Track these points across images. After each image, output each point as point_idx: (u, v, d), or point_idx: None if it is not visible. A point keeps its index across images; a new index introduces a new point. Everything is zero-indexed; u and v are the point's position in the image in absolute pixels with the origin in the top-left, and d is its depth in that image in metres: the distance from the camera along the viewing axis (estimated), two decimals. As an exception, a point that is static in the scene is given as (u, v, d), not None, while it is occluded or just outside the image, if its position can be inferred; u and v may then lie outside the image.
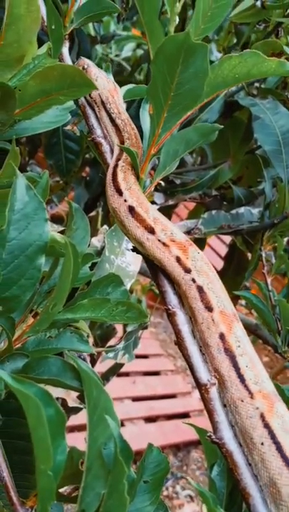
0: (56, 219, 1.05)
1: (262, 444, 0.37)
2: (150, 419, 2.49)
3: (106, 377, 0.95)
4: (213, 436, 0.38)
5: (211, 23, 0.42)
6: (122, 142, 0.50)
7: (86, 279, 0.48)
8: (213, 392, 0.39)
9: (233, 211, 0.91)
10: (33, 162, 1.08)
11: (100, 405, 0.32)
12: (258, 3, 0.74)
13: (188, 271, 0.44)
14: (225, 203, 1.01)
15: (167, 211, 1.09)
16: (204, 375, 0.40)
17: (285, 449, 0.36)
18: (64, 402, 0.62)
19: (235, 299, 0.94)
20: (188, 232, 0.84)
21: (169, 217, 1.15)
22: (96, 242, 0.69)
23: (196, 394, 2.59)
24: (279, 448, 0.36)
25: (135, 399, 2.57)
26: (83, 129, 0.60)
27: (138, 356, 2.61)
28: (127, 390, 2.60)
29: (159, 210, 0.99)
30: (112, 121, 0.51)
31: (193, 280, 0.44)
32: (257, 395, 0.38)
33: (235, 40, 1.00)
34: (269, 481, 0.36)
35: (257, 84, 0.98)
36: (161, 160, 0.44)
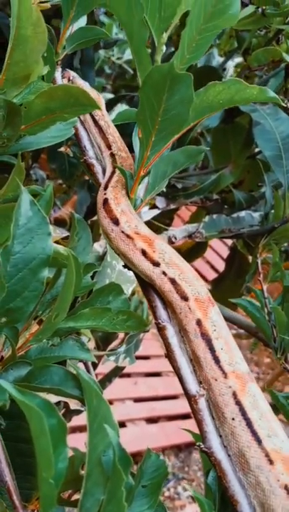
0: (59, 222, 1.06)
1: (233, 419, 0.39)
2: (152, 420, 2.50)
3: (108, 378, 0.96)
4: (202, 446, 0.40)
5: (196, 52, 0.44)
6: (108, 146, 0.53)
7: (88, 288, 0.49)
8: (202, 403, 0.41)
9: (234, 215, 0.93)
10: (36, 166, 1.09)
11: (100, 414, 0.34)
12: (259, 11, 0.75)
13: (156, 264, 0.46)
14: (226, 206, 1.02)
15: (169, 214, 1.11)
16: (193, 386, 0.41)
17: (255, 425, 0.39)
18: (66, 404, 0.64)
19: (234, 304, 0.95)
20: (189, 236, 0.86)
21: (171, 220, 1.17)
22: (98, 247, 0.70)
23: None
24: (249, 424, 0.39)
25: (137, 400, 2.59)
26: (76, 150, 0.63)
27: (139, 357, 2.62)
28: (129, 391, 2.62)
29: (162, 213, 1.00)
30: (96, 123, 0.54)
31: (164, 273, 0.45)
32: (230, 375, 0.41)
33: (236, 45, 1.01)
34: (238, 452, 0.39)
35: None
36: (150, 181, 0.47)
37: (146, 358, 2.91)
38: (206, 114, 0.45)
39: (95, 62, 1.23)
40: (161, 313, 0.45)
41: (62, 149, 0.58)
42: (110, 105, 1.18)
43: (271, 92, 0.44)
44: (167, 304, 0.46)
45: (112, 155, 0.52)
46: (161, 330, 0.44)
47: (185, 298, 0.45)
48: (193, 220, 1.10)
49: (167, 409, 2.60)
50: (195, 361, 0.44)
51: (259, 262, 0.85)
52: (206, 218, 0.88)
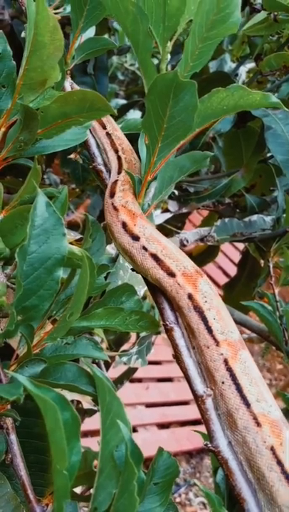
0: (72, 225, 1.07)
1: (222, 382, 0.41)
2: (163, 426, 2.50)
3: (120, 381, 0.97)
4: (210, 445, 0.40)
5: (199, 60, 0.45)
6: (115, 150, 0.54)
7: (101, 288, 0.50)
8: (209, 403, 0.41)
9: (246, 219, 0.93)
10: (50, 170, 1.11)
11: (113, 410, 0.34)
12: (271, 16, 0.76)
13: (136, 238, 0.46)
14: (238, 210, 1.03)
15: (181, 218, 1.11)
16: (200, 387, 0.42)
17: (245, 390, 0.40)
18: (79, 404, 0.64)
19: (246, 308, 0.95)
20: (201, 240, 0.86)
21: (183, 224, 1.17)
22: (111, 249, 0.71)
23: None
24: (239, 388, 0.40)
25: (148, 405, 2.59)
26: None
27: (151, 362, 2.63)
28: (140, 396, 2.62)
29: (173, 217, 1.01)
30: (104, 128, 0.56)
31: (144, 248, 0.46)
32: (222, 343, 0.42)
33: (248, 50, 1.02)
34: (227, 412, 0.41)
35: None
36: (157, 186, 0.48)
37: (157, 363, 2.91)
38: (210, 120, 0.46)
39: (108, 68, 1.25)
40: (169, 314, 0.46)
41: (72, 156, 0.60)
42: (123, 111, 1.20)
43: (273, 97, 0.44)
44: (154, 282, 0.47)
45: (119, 157, 0.53)
46: (168, 331, 0.45)
47: (172, 274, 0.45)
48: (205, 224, 1.10)
49: (178, 415, 2.60)
50: (190, 332, 0.45)
51: (271, 265, 0.85)
52: (218, 222, 0.89)
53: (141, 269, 0.47)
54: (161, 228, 0.49)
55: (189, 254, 1.08)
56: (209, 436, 0.41)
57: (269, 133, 0.80)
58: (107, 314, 0.47)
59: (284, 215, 0.88)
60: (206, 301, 0.44)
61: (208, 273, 3.02)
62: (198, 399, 0.42)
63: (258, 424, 0.39)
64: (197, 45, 0.44)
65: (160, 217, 0.84)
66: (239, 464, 0.40)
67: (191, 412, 2.59)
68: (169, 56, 0.47)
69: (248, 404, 0.40)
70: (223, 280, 2.69)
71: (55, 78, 0.43)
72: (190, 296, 0.44)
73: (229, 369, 0.41)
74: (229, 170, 0.93)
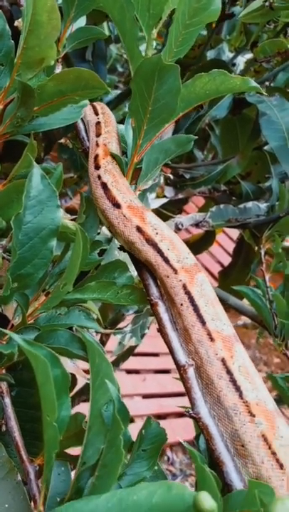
0: (70, 211, 1.09)
1: (181, 304, 0.44)
2: (160, 417, 2.52)
3: (116, 363, 0.99)
4: (191, 412, 0.42)
5: (182, 46, 0.48)
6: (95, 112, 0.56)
7: (95, 263, 0.52)
8: (191, 372, 0.43)
9: (241, 205, 0.94)
10: (48, 158, 1.13)
11: (102, 371, 0.36)
12: (267, 4, 0.77)
13: (97, 167, 0.50)
14: (234, 198, 1.04)
15: (178, 206, 1.13)
16: (182, 357, 0.44)
17: (201, 310, 0.43)
18: (73, 377, 0.66)
19: (241, 294, 0.97)
20: (196, 225, 0.88)
21: (180, 212, 1.19)
22: (106, 230, 0.73)
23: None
24: (196, 309, 0.43)
25: (145, 396, 2.62)
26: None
27: (148, 354, 2.66)
28: (138, 388, 2.64)
29: (171, 205, 1.03)
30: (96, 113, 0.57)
31: (99, 177, 0.49)
32: (180, 270, 0.45)
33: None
34: (183, 328, 0.44)
35: (267, 83, 1.01)
36: (143, 168, 0.50)
37: (155, 355, 2.94)
38: (193, 104, 0.48)
39: (107, 60, 1.26)
40: (154, 290, 0.47)
41: (62, 141, 0.61)
42: (121, 100, 1.21)
43: (253, 82, 0.47)
44: (103, 216, 0.49)
45: (98, 122, 0.55)
46: (153, 306, 0.47)
47: (117, 205, 0.47)
48: (201, 211, 1.12)
49: (175, 406, 2.60)
50: (148, 265, 0.47)
51: (262, 252, 0.87)
52: (214, 208, 0.91)
53: (93, 197, 0.50)
54: (157, 214, 0.51)
55: (186, 242, 1.10)
56: (191, 403, 0.43)
57: (263, 119, 0.81)
58: (100, 287, 0.49)
59: (278, 202, 0.90)
60: (157, 233, 0.46)
61: (203, 262, 3.05)
62: (180, 368, 0.44)
63: (212, 339, 0.42)
64: (180, 31, 0.46)
65: (156, 202, 0.85)
66: (218, 429, 0.42)
67: (188, 403, 2.61)
68: (154, 43, 0.49)
69: (203, 322, 0.43)
70: (217, 269, 2.71)
71: (52, 57, 0.44)
72: (138, 229, 0.46)
73: (187, 292, 0.44)
74: (225, 157, 0.95)
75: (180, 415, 2.59)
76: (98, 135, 0.53)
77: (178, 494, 0.30)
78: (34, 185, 0.39)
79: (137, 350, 2.63)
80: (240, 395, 0.40)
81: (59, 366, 0.33)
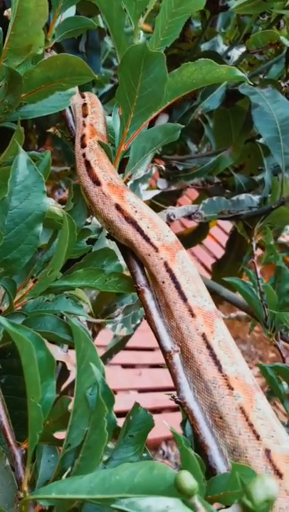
0: (63, 203, 1.09)
1: (163, 282, 0.45)
2: (155, 411, 2.54)
3: (109, 354, 1.00)
4: (176, 397, 0.43)
5: (169, 35, 0.48)
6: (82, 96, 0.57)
7: (83, 251, 0.52)
8: (176, 358, 0.44)
9: (234, 197, 0.95)
10: (42, 150, 1.13)
11: (87, 355, 0.36)
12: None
13: (83, 146, 0.50)
14: (227, 190, 1.04)
15: (172, 198, 1.13)
16: (168, 343, 0.45)
17: (183, 287, 0.44)
18: (65, 367, 0.67)
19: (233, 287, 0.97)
20: (189, 217, 0.88)
21: (174, 205, 1.19)
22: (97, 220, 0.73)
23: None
24: (177, 286, 0.44)
25: (141, 390, 2.63)
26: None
27: (144, 349, 2.67)
28: (133, 382, 2.66)
29: (163, 195, 1.03)
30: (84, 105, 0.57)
31: (84, 155, 0.50)
32: (161, 248, 0.45)
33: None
34: (165, 304, 0.45)
35: (261, 76, 1.01)
36: (130, 156, 0.50)
37: (150, 349, 2.95)
38: (180, 93, 0.49)
39: (102, 53, 1.25)
40: (140, 278, 0.48)
41: (51, 130, 0.61)
42: (115, 93, 1.20)
43: (238, 71, 0.47)
44: (85, 194, 0.49)
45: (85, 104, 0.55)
46: (140, 293, 0.47)
47: (97, 182, 0.48)
48: (195, 204, 1.12)
49: (170, 401, 2.62)
50: (129, 245, 0.48)
51: (254, 244, 0.87)
52: (206, 200, 0.91)
53: (78, 177, 0.50)
54: (150, 206, 0.52)
55: (180, 235, 1.11)
56: (176, 388, 0.43)
57: (256, 111, 0.81)
58: (88, 275, 0.49)
59: (270, 194, 0.90)
60: (136, 211, 0.47)
61: (196, 255, 3.05)
62: (166, 354, 0.44)
63: (193, 315, 0.43)
64: (167, 20, 0.47)
65: (148, 194, 0.85)
66: (202, 411, 0.42)
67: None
68: (141, 32, 0.49)
69: (184, 299, 0.44)
70: (210, 262, 2.72)
71: (39, 44, 0.44)
72: (118, 207, 0.47)
73: (169, 270, 0.44)
74: (219, 148, 0.95)
75: (175, 409, 2.60)
76: (85, 115, 0.53)
77: (160, 474, 0.30)
78: (20, 171, 0.40)
79: (132, 345, 2.64)
80: (220, 369, 0.41)
81: (44, 349, 0.34)
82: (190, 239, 1.18)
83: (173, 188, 0.95)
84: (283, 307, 0.76)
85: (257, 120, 0.81)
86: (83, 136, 0.50)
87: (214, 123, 0.95)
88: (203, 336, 0.42)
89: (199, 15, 1.10)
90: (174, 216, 0.79)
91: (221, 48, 1.20)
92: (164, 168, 0.84)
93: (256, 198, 0.95)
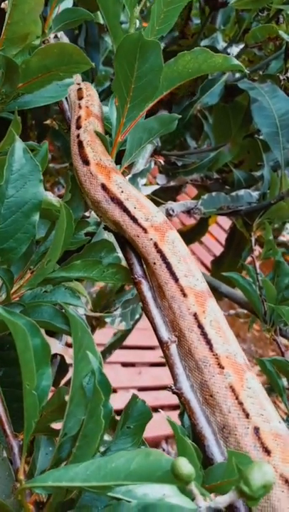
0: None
1: (154, 263, 0.45)
2: (155, 409, 2.53)
3: (108, 350, 0.99)
4: (174, 387, 0.43)
5: (164, 24, 0.48)
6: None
7: (80, 243, 0.52)
8: (173, 349, 0.44)
9: (233, 193, 0.94)
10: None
11: (84, 344, 0.36)
12: (259, -10, 0.76)
13: (78, 127, 0.51)
14: (227, 187, 1.04)
15: (171, 195, 1.13)
16: (165, 334, 0.44)
17: (174, 267, 0.44)
18: (64, 362, 0.66)
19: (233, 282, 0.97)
20: (188, 212, 0.88)
21: (174, 201, 1.18)
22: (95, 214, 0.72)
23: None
24: (168, 266, 0.44)
25: (141, 389, 2.63)
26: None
27: (144, 347, 2.67)
28: (133, 381, 2.65)
29: (163, 192, 1.03)
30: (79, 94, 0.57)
31: (78, 136, 0.50)
32: (149, 229, 0.45)
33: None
34: (157, 285, 0.45)
35: (260, 72, 1.00)
36: (127, 147, 0.50)
37: (151, 348, 2.95)
38: (176, 82, 0.49)
39: (102, 51, 1.25)
40: (138, 269, 0.48)
41: (48, 122, 0.61)
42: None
43: (235, 60, 0.47)
44: (76, 174, 0.50)
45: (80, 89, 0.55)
46: (137, 284, 0.47)
47: (86, 162, 0.48)
48: (194, 199, 1.12)
49: (171, 399, 2.63)
50: (117, 228, 0.47)
51: (253, 239, 0.87)
52: (205, 195, 0.90)
53: (72, 156, 0.50)
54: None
55: (179, 232, 1.10)
56: (173, 379, 0.43)
57: (255, 106, 0.81)
58: (86, 266, 0.49)
59: (269, 190, 0.90)
60: (122, 191, 0.46)
61: (196, 253, 3.05)
62: (163, 345, 0.44)
63: (184, 295, 0.43)
64: (162, 9, 0.46)
65: (147, 189, 0.85)
66: (198, 401, 0.42)
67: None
68: (137, 21, 0.49)
69: (176, 279, 0.44)
70: (209, 261, 2.72)
71: (36, 32, 0.44)
72: (103, 187, 0.46)
73: (159, 251, 0.45)
74: (218, 144, 0.95)
75: (175, 408, 2.60)
76: (80, 98, 0.53)
77: (156, 460, 0.30)
78: (16, 159, 0.39)
79: (132, 344, 2.63)
80: (211, 348, 0.41)
81: (39, 336, 0.33)
82: (189, 236, 1.18)
83: (172, 183, 0.95)
84: (282, 301, 0.76)
85: (256, 115, 0.81)
86: (79, 118, 0.50)
87: (213, 119, 0.95)
88: (195, 315, 0.42)
89: (199, 12, 1.10)
90: (173, 211, 0.79)
91: (221, 45, 1.19)
92: (162, 162, 0.84)
93: (255, 194, 0.95)
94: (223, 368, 0.40)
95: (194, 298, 0.43)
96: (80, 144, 0.48)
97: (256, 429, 0.38)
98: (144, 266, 0.47)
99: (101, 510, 0.35)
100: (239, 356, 0.42)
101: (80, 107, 0.52)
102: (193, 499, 0.30)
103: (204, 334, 0.41)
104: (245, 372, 0.40)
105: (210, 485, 0.37)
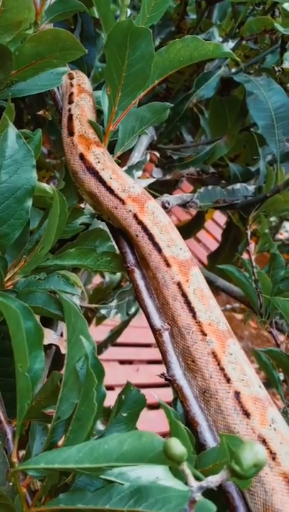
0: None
1: (136, 235, 0.45)
2: (152, 406, 2.53)
3: (104, 344, 0.99)
4: (166, 374, 0.43)
5: (155, 13, 0.48)
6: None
7: (75, 231, 0.52)
8: (166, 336, 0.44)
9: (229, 187, 0.94)
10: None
11: (77, 328, 0.36)
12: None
13: (71, 102, 0.51)
14: (223, 181, 1.04)
15: (168, 190, 1.13)
16: (158, 322, 0.45)
17: (156, 238, 0.44)
18: (60, 355, 0.66)
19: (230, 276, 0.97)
20: (184, 205, 0.88)
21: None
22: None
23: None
24: (151, 237, 0.44)
25: (138, 386, 2.63)
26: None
27: (141, 345, 2.67)
28: (130, 378, 2.64)
29: (159, 186, 1.02)
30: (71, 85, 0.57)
31: (69, 110, 0.50)
32: (127, 200, 0.45)
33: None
34: (142, 256, 0.46)
35: (256, 67, 1.01)
36: (119, 136, 0.50)
37: (148, 345, 2.95)
38: (168, 71, 0.49)
39: (99, 48, 1.25)
40: (130, 258, 0.48)
41: (40, 113, 0.61)
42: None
43: (226, 47, 0.47)
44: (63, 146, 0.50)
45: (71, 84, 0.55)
46: (130, 273, 0.47)
47: (71, 133, 0.48)
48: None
49: (168, 396, 2.62)
50: (93, 200, 0.47)
51: (249, 233, 0.87)
52: (202, 189, 0.90)
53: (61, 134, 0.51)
54: None
55: (176, 226, 1.10)
56: (166, 366, 0.44)
57: (250, 99, 0.81)
58: (80, 254, 0.49)
59: (265, 183, 0.90)
60: (98, 162, 0.47)
61: (191, 249, 3.04)
62: (156, 332, 0.44)
63: (168, 265, 0.44)
64: None
65: (142, 183, 0.85)
66: (191, 387, 0.42)
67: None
68: (128, 10, 0.49)
69: (159, 250, 0.44)
70: (204, 256, 2.72)
71: (30, 19, 0.44)
72: (81, 156, 0.47)
73: (140, 222, 0.45)
74: (214, 138, 0.95)
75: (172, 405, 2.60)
76: (71, 78, 0.54)
77: (148, 441, 0.30)
78: (9, 145, 0.39)
79: (129, 341, 2.62)
80: (194, 316, 0.42)
81: (32, 319, 0.33)
82: (185, 231, 1.18)
83: (168, 177, 0.95)
84: (278, 294, 0.76)
85: (252, 108, 0.81)
86: (71, 94, 0.51)
87: (209, 113, 0.95)
88: (179, 284, 0.43)
89: (195, 6, 1.10)
90: (169, 203, 0.79)
91: (217, 40, 1.19)
92: (158, 155, 0.84)
93: (251, 188, 0.95)
94: (205, 334, 0.41)
95: (178, 267, 0.43)
96: (70, 117, 0.49)
97: (237, 393, 0.39)
98: (129, 240, 0.47)
99: (94, 492, 0.35)
100: (222, 323, 0.42)
101: (71, 85, 0.52)
102: (185, 482, 0.30)
103: (188, 302, 0.42)
104: (227, 338, 0.41)
105: (202, 469, 0.37)
